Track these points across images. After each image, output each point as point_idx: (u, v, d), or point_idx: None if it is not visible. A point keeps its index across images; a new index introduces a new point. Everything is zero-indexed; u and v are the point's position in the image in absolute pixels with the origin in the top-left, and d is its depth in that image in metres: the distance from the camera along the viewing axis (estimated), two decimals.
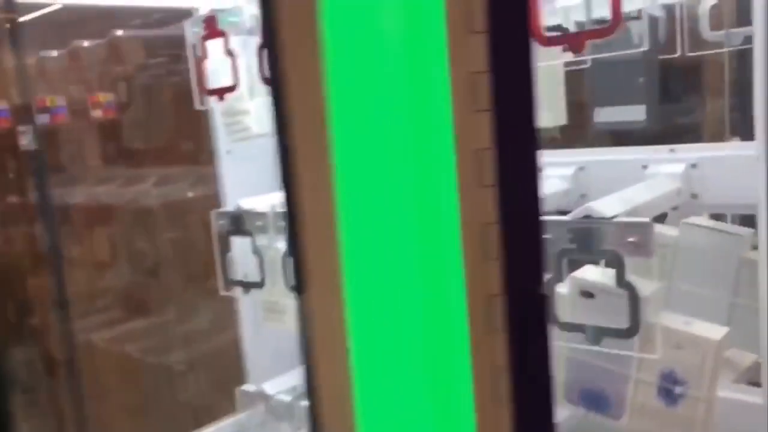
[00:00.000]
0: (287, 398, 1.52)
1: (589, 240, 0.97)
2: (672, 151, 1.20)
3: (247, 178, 1.63)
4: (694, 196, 1.18)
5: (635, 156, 1.23)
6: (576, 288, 1.06)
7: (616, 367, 1.07)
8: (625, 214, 0.97)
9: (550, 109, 1.36)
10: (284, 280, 1.35)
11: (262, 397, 1.51)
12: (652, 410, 1.04)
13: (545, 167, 1.38)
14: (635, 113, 1.46)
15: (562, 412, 1.17)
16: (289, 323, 1.54)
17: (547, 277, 1.04)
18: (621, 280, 0.97)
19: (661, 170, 1.19)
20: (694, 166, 1.17)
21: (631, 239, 0.93)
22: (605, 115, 1.51)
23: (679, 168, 1.18)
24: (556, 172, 1.31)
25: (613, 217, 0.95)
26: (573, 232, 0.98)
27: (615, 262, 0.96)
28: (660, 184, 1.16)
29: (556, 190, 1.28)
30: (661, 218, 1.37)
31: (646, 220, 0.92)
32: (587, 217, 0.98)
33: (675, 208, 1.22)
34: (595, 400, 1.10)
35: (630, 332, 0.97)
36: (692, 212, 1.20)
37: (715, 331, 0.99)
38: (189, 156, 2.15)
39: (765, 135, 0.96)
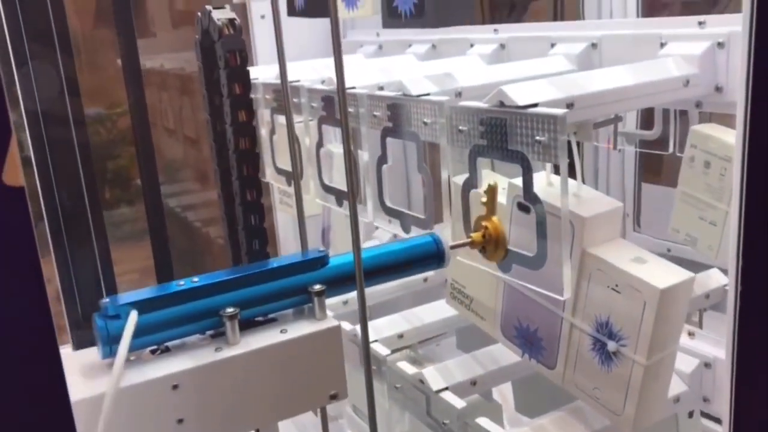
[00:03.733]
0: None
1: (500, 135, 0.72)
2: (702, 24, 0.87)
3: None
4: (719, 89, 0.85)
5: (653, 30, 0.91)
6: (512, 198, 0.82)
7: (547, 304, 0.82)
8: (550, 104, 0.71)
9: None
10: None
11: None
12: (586, 366, 0.80)
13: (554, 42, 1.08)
14: None
15: (505, 352, 0.96)
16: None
17: (463, 178, 0.81)
18: (527, 192, 0.72)
19: (680, 50, 0.87)
20: (721, 45, 0.84)
21: (538, 138, 0.67)
22: None
23: (701, 47, 0.85)
24: (562, 50, 1.01)
25: (525, 107, 0.69)
26: (483, 124, 0.74)
27: (523, 167, 0.71)
28: (660, 68, 0.84)
29: (558, 72, 0.99)
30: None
31: (557, 111, 0.65)
32: (501, 104, 0.72)
33: (698, 106, 0.89)
34: (529, 341, 0.87)
35: (536, 262, 0.72)
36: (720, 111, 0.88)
37: (669, 277, 0.72)
38: None
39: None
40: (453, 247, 0.78)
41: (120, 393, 0.58)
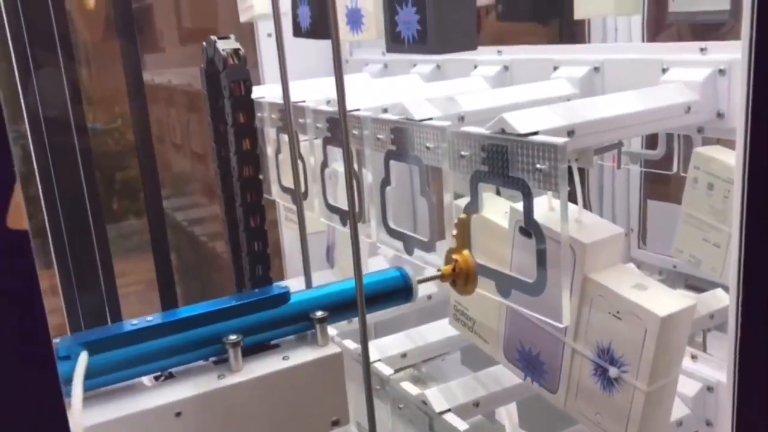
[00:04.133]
0: None
1: (501, 162, 0.73)
2: (704, 51, 0.87)
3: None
4: (720, 115, 0.86)
5: (655, 55, 0.91)
6: (513, 222, 0.82)
7: (549, 328, 0.83)
8: (551, 132, 0.71)
9: None
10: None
11: None
12: (587, 391, 0.80)
13: (557, 65, 1.08)
14: (718, 2, 1.10)
15: (507, 373, 0.96)
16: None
17: (465, 202, 0.82)
18: (528, 219, 0.72)
19: (681, 76, 0.87)
20: (722, 72, 0.84)
21: (538, 166, 0.68)
22: (682, 4, 1.16)
23: (702, 74, 0.85)
24: (565, 73, 1.02)
25: (526, 135, 0.70)
26: (484, 150, 0.74)
27: (524, 194, 0.71)
28: (661, 95, 0.85)
29: (561, 95, 1.00)
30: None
31: (557, 140, 0.66)
32: (502, 131, 0.73)
33: (701, 131, 0.90)
34: (531, 365, 0.88)
35: (536, 289, 0.73)
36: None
37: (670, 304, 0.72)
38: None
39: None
40: (420, 281, 0.78)
41: (123, 420, 0.59)
